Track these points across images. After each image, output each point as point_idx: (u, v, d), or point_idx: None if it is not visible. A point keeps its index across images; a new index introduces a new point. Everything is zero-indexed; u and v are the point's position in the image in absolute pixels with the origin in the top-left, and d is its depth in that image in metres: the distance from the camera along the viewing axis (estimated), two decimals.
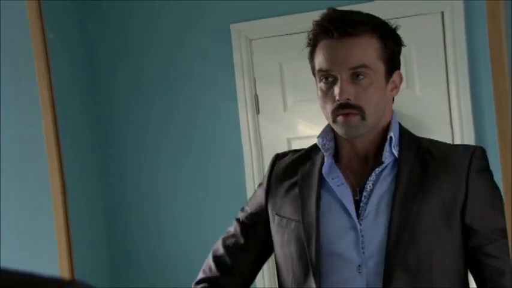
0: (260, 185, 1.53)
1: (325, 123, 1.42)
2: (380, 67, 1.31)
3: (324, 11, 1.34)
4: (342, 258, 1.32)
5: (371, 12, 1.35)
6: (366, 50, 1.29)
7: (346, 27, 1.28)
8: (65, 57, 3.14)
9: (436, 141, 1.43)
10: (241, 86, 3.14)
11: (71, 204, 2.96)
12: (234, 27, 3.12)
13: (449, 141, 2.88)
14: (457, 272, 1.34)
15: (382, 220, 1.31)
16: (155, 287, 3.25)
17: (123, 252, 3.35)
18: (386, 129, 1.37)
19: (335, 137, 1.42)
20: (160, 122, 3.28)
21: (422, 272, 1.29)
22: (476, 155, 1.37)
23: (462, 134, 2.88)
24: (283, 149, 3.06)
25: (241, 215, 1.55)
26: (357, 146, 1.38)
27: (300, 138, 3.04)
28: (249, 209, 1.54)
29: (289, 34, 2.98)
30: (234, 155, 3.16)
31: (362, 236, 1.32)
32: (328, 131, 1.41)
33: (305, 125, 3.03)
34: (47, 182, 2.92)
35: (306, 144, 1.51)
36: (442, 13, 2.88)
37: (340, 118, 1.31)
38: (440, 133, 2.91)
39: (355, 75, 1.28)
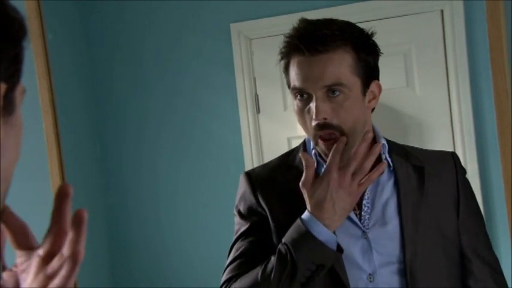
0: (243, 213, 1.41)
1: None
2: (355, 81, 1.27)
3: (296, 24, 1.29)
4: (352, 268, 1.31)
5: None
6: (340, 67, 1.25)
7: (317, 44, 1.24)
8: (65, 57, 3.14)
9: (413, 147, 1.46)
10: (241, 86, 3.14)
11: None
12: (234, 27, 3.12)
13: (449, 140, 2.88)
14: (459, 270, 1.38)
15: (391, 227, 1.32)
16: (155, 286, 3.25)
17: (123, 252, 3.35)
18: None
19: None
20: (160, 122, 3.28)
21: (440, 273, 1.32)
22: (457, 160, 1.42)
23: (462, 133, 2.87)
24: (284, 147, 3.08)
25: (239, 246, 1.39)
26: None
27: (300, 137, 3.01)
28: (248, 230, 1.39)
29: None
30: (234, 154, 3.16)
31: (372, 244, 1.31)
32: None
33: None
34: (48, 182, 2.92)
35: None
36: (442, 11, 2.88)
37: (321, 144, 1.29)
38: (440, 132, 2.91)
39: (331, 91, 1.26)
